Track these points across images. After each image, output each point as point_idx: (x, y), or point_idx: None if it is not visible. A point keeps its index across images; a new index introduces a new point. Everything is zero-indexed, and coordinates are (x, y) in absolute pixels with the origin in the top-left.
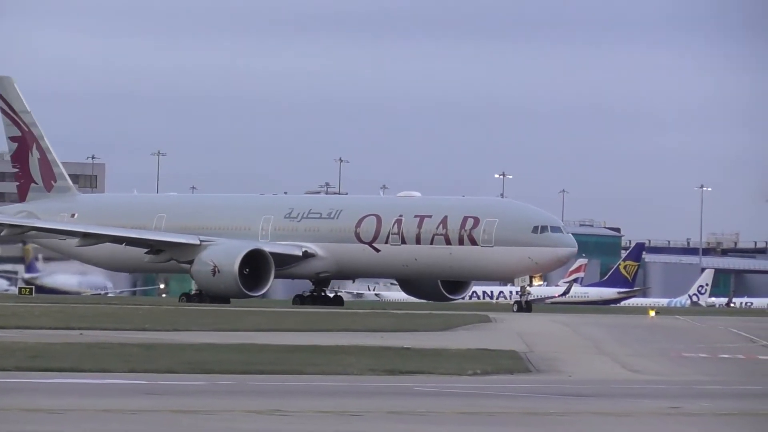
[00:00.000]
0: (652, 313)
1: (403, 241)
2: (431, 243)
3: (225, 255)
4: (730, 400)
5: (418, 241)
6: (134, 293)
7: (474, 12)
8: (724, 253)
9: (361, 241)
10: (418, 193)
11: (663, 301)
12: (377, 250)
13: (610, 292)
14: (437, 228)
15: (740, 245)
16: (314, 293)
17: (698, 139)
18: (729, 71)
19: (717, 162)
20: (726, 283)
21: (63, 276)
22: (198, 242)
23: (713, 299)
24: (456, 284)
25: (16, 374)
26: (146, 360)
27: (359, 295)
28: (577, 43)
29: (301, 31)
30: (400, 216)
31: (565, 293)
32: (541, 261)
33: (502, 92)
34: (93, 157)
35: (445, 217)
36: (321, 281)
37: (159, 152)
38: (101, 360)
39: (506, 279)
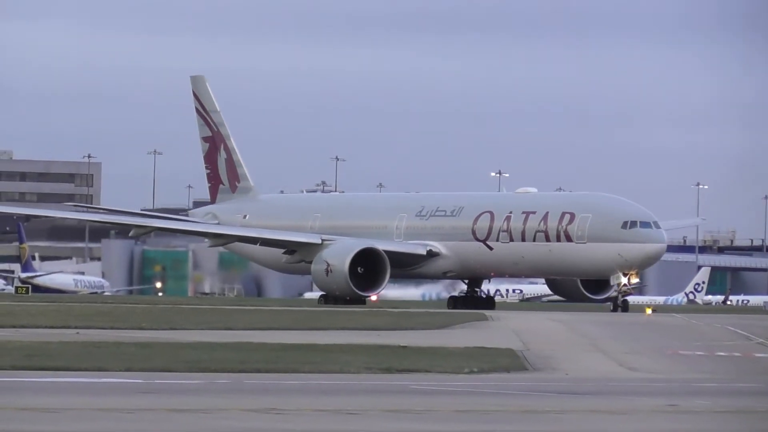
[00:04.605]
0: (649, 311)
1: (511, 239)
2: (534, 240)
3: (338, 254)
4: (727, 398)
5: (523, 238)
6: (131, 292)
7: (468, 10)
8: (721, 250)
9: (477, 239)
10: (534, 189)
11: (659, 299)
12: (490, 248)
13: None
14: (539, 224)
15: (736, 243)
16: (468, 294)
17: (695, 137)
18: (728, 69)
19: (714, 160)
20: (722, 280)
21: (59, 275)
22: (320, 241)
23: (710, 297)
24: (598, 283)
25: (12, 373)
26: (143, 359)
27: None
28: (575, 39)
29: (299, 29)
30: (510, 213)
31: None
32: (630, 257)
33: (498, 89)
34: (89, 156)
35: (546, 213)
36: (474, 281)
37: (155, 151)
38: (98, 359)
39: (598, 276)
